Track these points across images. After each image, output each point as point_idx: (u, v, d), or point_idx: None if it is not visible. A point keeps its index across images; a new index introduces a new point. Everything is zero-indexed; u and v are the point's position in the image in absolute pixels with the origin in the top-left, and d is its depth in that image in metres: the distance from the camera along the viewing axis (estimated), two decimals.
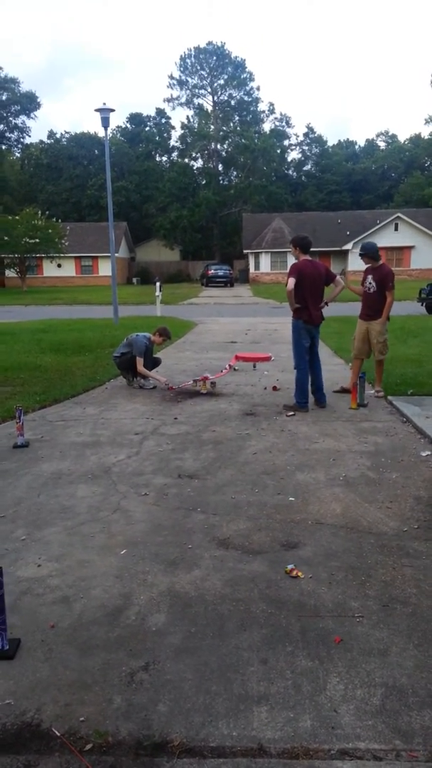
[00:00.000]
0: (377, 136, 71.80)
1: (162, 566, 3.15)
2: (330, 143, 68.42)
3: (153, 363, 8.08)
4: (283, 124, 64.33)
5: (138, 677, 2.31)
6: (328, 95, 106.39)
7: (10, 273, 43.29)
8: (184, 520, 3.73)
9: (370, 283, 6.97)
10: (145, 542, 3.43)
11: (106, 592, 2.90)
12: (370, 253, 7.00)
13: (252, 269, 48.79)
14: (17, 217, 38.07)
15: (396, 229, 45.52)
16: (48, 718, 2.11)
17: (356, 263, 45.96)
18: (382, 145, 69.18)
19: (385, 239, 44.77)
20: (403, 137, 70.05)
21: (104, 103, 17.20)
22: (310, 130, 66.50)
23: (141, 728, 2.06)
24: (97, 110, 17.17)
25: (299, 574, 3.05)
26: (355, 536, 3.48)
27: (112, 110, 17.59)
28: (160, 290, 20.69)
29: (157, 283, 21.36)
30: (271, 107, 65.29)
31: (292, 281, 6.49)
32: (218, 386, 7.76)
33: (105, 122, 17.38)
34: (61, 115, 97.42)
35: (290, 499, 4.05)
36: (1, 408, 6.45)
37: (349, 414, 6.33)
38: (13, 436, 5.38)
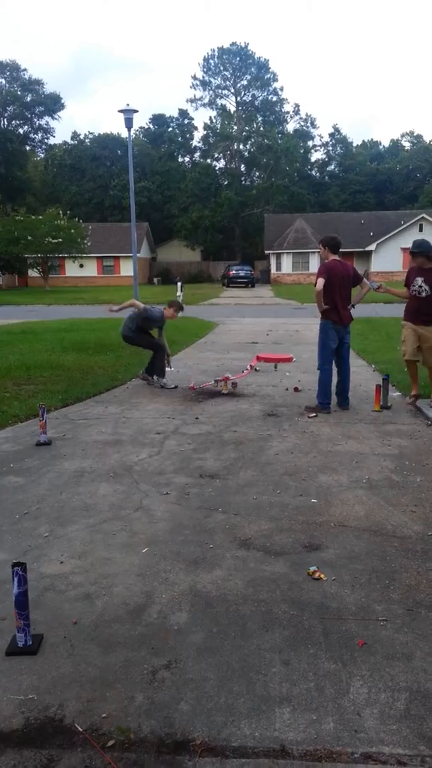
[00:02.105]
0: (402, 136, 71.30)
1: (183, 565, 3.15)
2: (354, 143, 68.06)
3: (161, 346, 8.03)
4: (308, 124, 64.16)
5: (160, 675, 2.31)
6: (354, 96, 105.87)
7: (33, 272, 43.73)
8: (206, 520, 3.73)
9: (421, 286, 6.36)
10: (167, 541, 3.43)
11: (128, 590, 2.91)
12: (426, 251, 6.31)
13: (273, 270, 48.69)
14: (40, 218, 38.46)
15: (421, 230, 45.04)
16: (71, 714, 2.12)
17: (380, 264, 45.72)
18: (407, 145, 68.58)
19: (410, 240, 44.22)
20: (428, 137, 69.55)
21: (128, 104, 17.34)
22: (336, 130, 66.20)
23: (163, 726, 2.06)
24: (120, 111, 17.31)
25: (322, 576, 3.03)
26: (379, 539, 3.45)
27: (136, 111, 17.71)
28: (182, 290, 20.74)
29: (179, 284, 21.43)
30: (296, 108, 65.12)
31: (321, 281, 6.35)
32: (239, 387, 7.75)
33: (128, 123, 17.51)
34: (85, 116, 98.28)
35: (312, 500, 4.03)
36: (24, 406, 6.51)
37: (372, 416, 6.28)
38: (36, 434, 5.43)
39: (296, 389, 7.69)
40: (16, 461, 4.82)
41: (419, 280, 6.36)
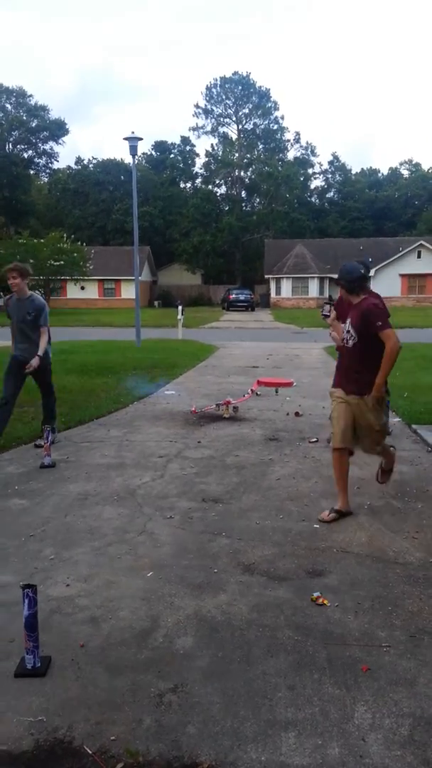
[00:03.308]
0: (401, 164, 72.26)
1: (188, 590, 3.19)
2: (353, 171, 69.03)
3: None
4: (308, 152, 65.13)
5: (167, 699, 2.34)
6: (353, 124, 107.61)
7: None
8: (209, 544, 3.76)
9: (348, 332, 4.17)
10: (171, 565, 3.47)
11: (134, 613, 2.95)
12: (346, 277, 4.12)
13: (273, 294, 49.07)
14: (42, 241, 38.87)
15: (419, 256, 45.59)
16: (79, 736, 2.15)
17: (379, 290, 45.29)
18: (405, 173, 69.53)
19: (408, 266, 44.89)
20: (426, 165, 70.54)
21: (132, 132, 17.63)
22: (335, 158, 67.19)
23: (171, 749, 2.09)
24: (125, 139, 17.60)
25: (325, 602, 3.07)
26: (381, 566, 3.48)
27: (140, 139, 18.03)
28: (183, 313, 20.89)
29: (179, 307, 21.58)
30: (297, 136, 66.10)
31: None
32: (241, 411, 7.81)
33: (133, 150, 17.80)
34: (87, 141, 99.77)
35: (315, 526, 4.07)
36: (27, 429, 6.57)
37: None
38: (39, 456, 5.47)
39: (297, 414, 7.75)
40: (21, 483, 4.87)
41: (347, 322, 4.16)
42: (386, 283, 45.81)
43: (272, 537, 3.89)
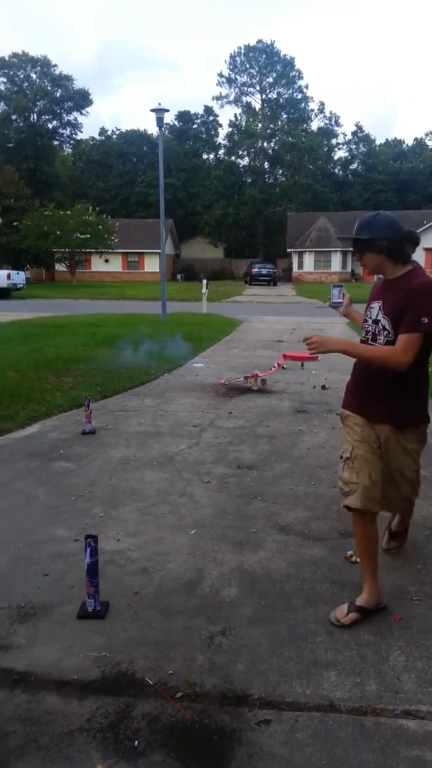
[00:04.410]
0: (426, 135, 70.75)
1: (230, 547, 3.41)
2: (378, 142, 67.71)
3: None
4: (332, 123, 63.98)
5: (217, 640, 2.57)
6: (377, 94, 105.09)
7: (60, 267, 44.28)
8: (246, 507, 3.98)
9: (378, 322, 2.74)
10: (212, 525, 3.69)
11: (181, 566, 3.18)
12: (390, 236, 2.64)
13: (295, 268, 48.79)
14: (68, 213, 38.98)
15: None
16: (140, 670, 2.39)
17: None
18: (430, 144, 68.05)
19: None
20: None
21: (159, 104, 17.57)
22: (359, 128, 65.94)
23: (224, 683, 2.32)
24: (152, 110, 17.54)
25: (358, 560, 3.26)
26: (410, 529, 3.66)
27: (167, 110, 17.97)
28: (207, 287, 20.98)
29: (204, 281, 21.67)
30: (321, 106, 65.04)
31: None
32: (268, 384, 7.98)
33: (160, 122, 17.76)
34: (109, 112, 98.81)
35: None
36: (66, 397, 6.83)
37: None
38: (80, 423, 5.72)
39: (323, 387, 7.91)
40: (65, 448, 5.12)
41: (375, 308, 2.76)
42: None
43: (305, 501, 4.10)
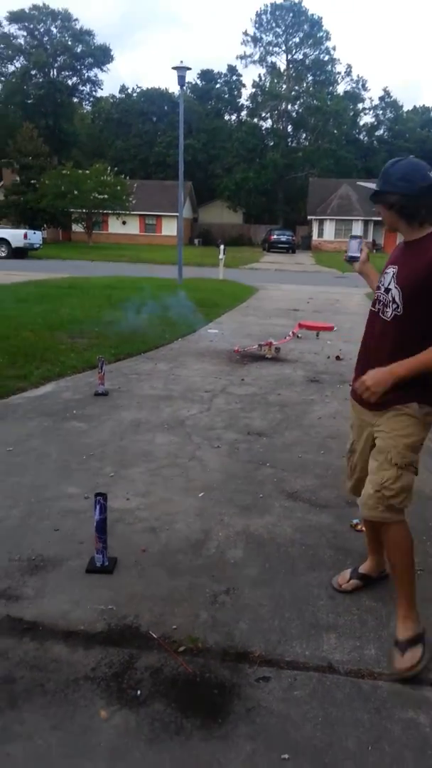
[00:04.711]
0: None
1: (237, 510, 3.46)
2: (405, 108, 65.80)
3: None
4: (359, 86, 62.21)
5: (220, 599, 2.63)
6: (406, 59, 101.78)
7: (76, 228, 43.97)
8: (255, 473, 4.02)
9: (389, 291, 2.32)
10: (220, 488, 3.74)
11: (189, 527, 3.24)
12: (406, 189, 2.18)
13: (315, 236, 48.09)
14: (87, 172, 38.49)
15: None
16: (145, 624, 2.45)
17: None
18: None
19: None
20: None
21: (181, 62, 17.15)
22: (387, 94, 64.04)
23: (225, 640, 2.38)
24: (174, 68, 17.14)
25: (363, 528, 3.30)
26: (417, 501, 3.67)
27: (188, 68, 17.56)
28: (224, 253, 20.78)
29: (221, 246, 21.45)
30: (348, 69, 63.35)
31: None
32: (282, 352, 7.96)
33: (181, 81, 17.37)
34: (129, 69, 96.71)
35: None
36: (80, 358, 6.86)
37: None
38: (93, 385, 5.77)
39: (338, 357, 7.87)
40: (78, 408, 5.17)
41: (389, 273, 2.35)
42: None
43: (314, 470, 4.12)
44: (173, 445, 4.45)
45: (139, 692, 2.09)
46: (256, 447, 4.49)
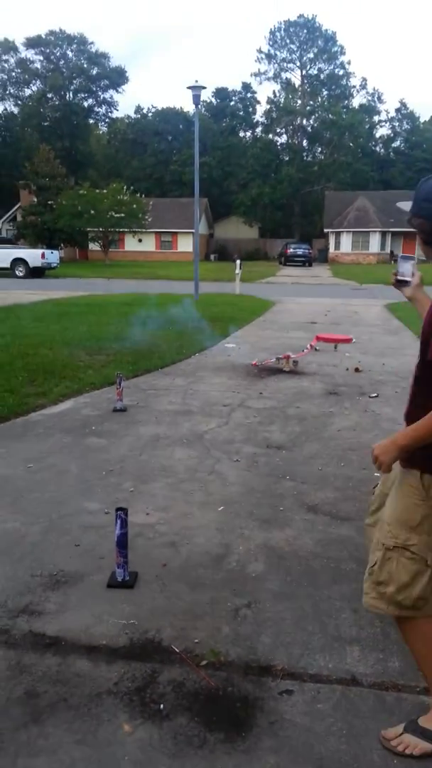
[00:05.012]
0: None
1: (257, 523, 3.46)
2: (422, 119, 65.79)
3: None
4: (374, 99, 62.45)
5: (242, 612, 2.63)
6: (422, 69, 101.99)
7: (93, 246, 44.53)
8: (275, 486, 4.01)
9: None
10: (240, 502, 3.74)
11: (209, 541, 3.24)
12: (416, 210, 1.96)
13: (332, 249, 48.10)
14: (104, 191, 39.05)
15: None
16: (167, 638, 2.46)
17: None
18: None
19: None
20: None
21: (196, 81, 17.39)
22: (403, 105, 64.13)
23: (248, 653, 2.37)
24: (189, 88, 17.38)
25: None
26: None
27: (204, 87, 17.80)
28: (241, 268, 20.88)
29: (237, 261, 21.56)
30: (363, 82, 63.48)
31: None
32: (300, 365, 7.96)
33: (196, 99, 17.60)
34: (146, 90, 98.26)
35: (375, 474, 4.24)
36: (99, 375, 6.93)
37: None
38: (112, 401, 5.81)
39: (357, 370, 7.85)
40: (97, 424, 5.22)
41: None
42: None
43: (334, 482, 4.11)
44: (192, 459, 4.46)
45: (162, 706, 2.09)
46: (275, 460, 4.49)
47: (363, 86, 62.74)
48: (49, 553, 3.08)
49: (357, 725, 2.04)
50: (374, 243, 46.36)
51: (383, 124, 64.14)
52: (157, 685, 2.19)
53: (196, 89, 17.21)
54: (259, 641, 2.45)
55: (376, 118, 62.85)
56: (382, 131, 64.48)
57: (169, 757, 1.89)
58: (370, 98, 62.55)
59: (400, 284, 2.29)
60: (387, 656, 2.38)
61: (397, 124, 64.33)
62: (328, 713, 2.09)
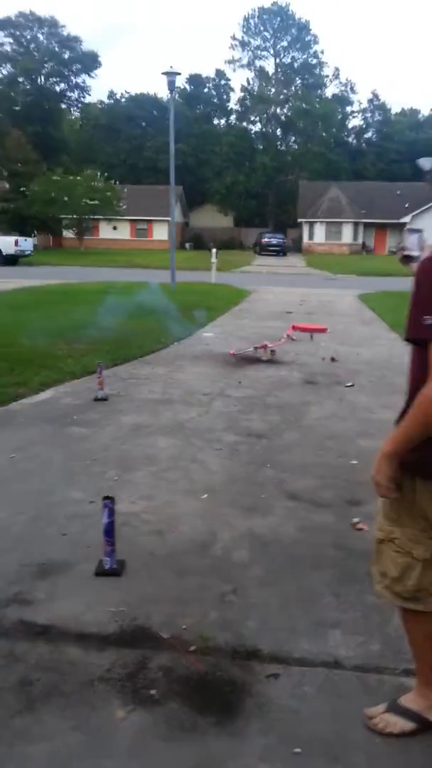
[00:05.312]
0: None
1: (240, 511, 3.52)
2: (394, 111, 66.16)
3: None
4: (347, 89, 62.57)
5: (228, 598, 2.69)
6: (394, 62, 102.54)
7: (67, 234, 43.99)
8: (256, 474, 4.08)
9: None
10: (223, 490, 3.79)
11: (194, 529, 3.29)
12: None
13: (306, 239, 48.26)
14: (78, 178, 38.53)
15: None
16: (156, 624, 2.50)
17: None
18: None
19: None
20: None
21: (171, 66, 17.25)
22: (375, 96, 64.39)
23: (235, 638, 2.43)
24: (164, 73, 17.23)
25: (364, 527, 3.36)
26: None
27: (178, 74, 17.69)
28: (216, 257, 20.86)
29: (213, 250, 21.53)
30: (336, 72, 63.47)
31: None
32: (278, 354, 8.04)
33: (171, 86, 17.48)
34: (121, 75, 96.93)
35: (353, 462, 4.35)
36: (78, 364, 6.91)
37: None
38: (92, 390, 5.81)
39: (333, 359, 7.95)
40: (79, 414, 5.22)
41: None
42: (424, 231, 44.67)
43: (313, 470, 4.19)
44: (174, 448, 4.50)
45: (153, 691, 2.14)
46: (256, 449, 4.55)
47: (336, 76, 62.79)
48: (37, 543, 3.10)
49: (341, 707, 2.11)
50: (347, 233, 46.65)
51: (356, 115, 64.38)
52: (148, 671, 2.24)
53: (170, 75, 17.07)
54: (246, 626, 2.51)
55: (348, 109, 63.03)
56: (355, 122, 64.75)
57: (163, 741, 1.94)
58: (343, 88, 62.70)
59: (407, 260, 2.11)
60: (368, 639, 2.45)
61: (369, 115, 64.57)
62: (313, 695, 2.16)
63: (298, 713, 2.07)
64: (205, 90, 63.27)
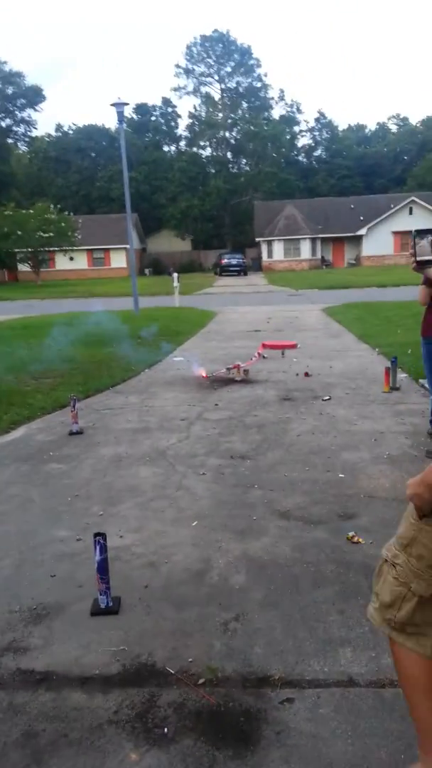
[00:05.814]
0: (388, 119, 71.30)
1: (233, 535, 3.46)
2: (341, 128, 67.95)
3: None
4: (293, 110, 64.13)
5: (231, 626, 2.62)
6: (338, 80, 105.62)
7: (23, 267, 43.66)
8: (244, 496, 4.03)
9: None
10: (213, 515, 3.73)
11: (187, 557, 3.21)
12: None
13: (265, 257, 48.86)
14: (31, 212, 38.40)
15: (411, 212, 45.37)
16: (160, 660, 2.42)
17: (371, 248, 45.92)
18: (393, 128, 68.62)
19: (400, 223, 44.69)
20: (414, 119, 69.21)
21: (119, 98, 17.42)
22: (322, 115, 66.12)
23: (243, 666, 2.37)
24: (113, 105, 17.35)
25: (360, 540, 3.34)
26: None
27: (126, 104, 17.84)
28: (178, 281, 20.91)
29: (174, 275, 21.59)
30: (281, 94, 65.34)
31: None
32: (251, 373, 8.04)
33: (120, 116, 17.65)
34: (66, 108, 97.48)
35: (340, 475, 4.34)
36: (48, 398, 6.78)
37: (382, 397, 6.59)
38: (66, 424, 5.70)
39: (306, 374, 7.98)
40: (55, 449, 5.10)
41: None
42: (378, 241, 45.77)
43: (301, 487, 4.16)
44: (158, 476, 4.43)
45: (166, 729, 2.05)
46: (241, 470, 4.51)
47: (281, 98, 64.68)
48: (25, 587, 2.98)
49: (361, 725, 2.06)
50: (305, 249, 47.40)
51: (304, 134, 65.95)
52: (158, 709, 2.15)
53: (119, 106, 17.20)
54: (253, 653, 2.44)
55: (296, 129, 64.54)
56: (304, 141, 66.27)
57: None
58: (289, 109, 64.27)
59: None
60: (379, 654, 2.41)
61: (317, 133, 66.21)
62: (331, 716, 2.10)
63: (318, 736, 2.02)
64: (153, 118, 64.07)
